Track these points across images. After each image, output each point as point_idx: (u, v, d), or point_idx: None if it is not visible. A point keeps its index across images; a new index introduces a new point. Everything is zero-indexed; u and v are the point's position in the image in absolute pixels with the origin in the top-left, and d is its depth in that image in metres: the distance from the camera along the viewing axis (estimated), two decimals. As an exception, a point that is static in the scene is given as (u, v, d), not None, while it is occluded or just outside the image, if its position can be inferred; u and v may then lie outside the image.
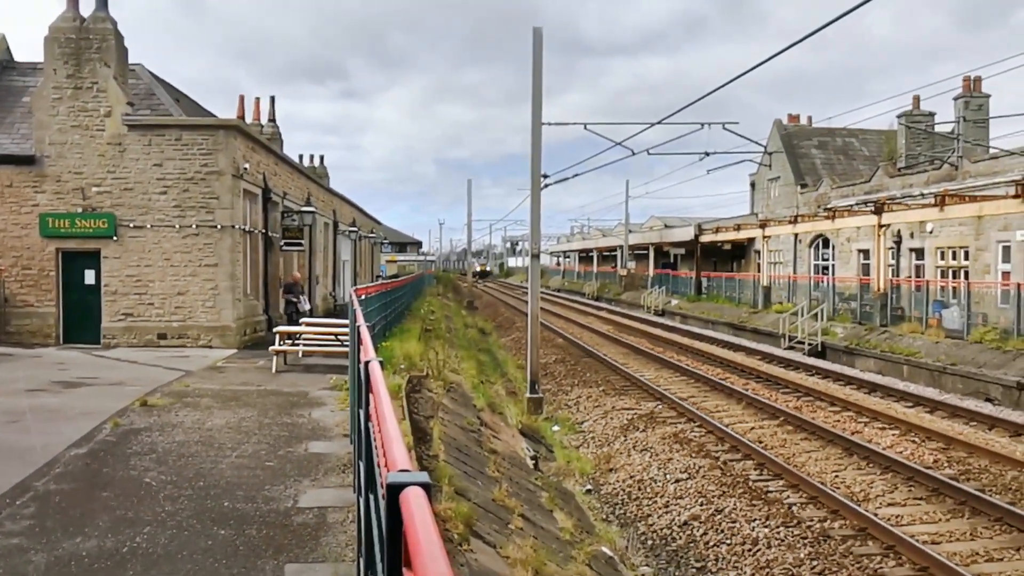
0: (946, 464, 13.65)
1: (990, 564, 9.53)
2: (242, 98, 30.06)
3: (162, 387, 14.05)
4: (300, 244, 26.96)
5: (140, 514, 7.14)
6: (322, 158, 43.29)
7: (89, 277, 20.86)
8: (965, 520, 10.94)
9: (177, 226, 20.61)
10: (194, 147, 20.57)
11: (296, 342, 18.01)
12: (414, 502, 1.83)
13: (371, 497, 3.28)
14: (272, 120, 34.12)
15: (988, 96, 34.56)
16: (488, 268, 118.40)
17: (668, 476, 13.39)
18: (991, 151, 29.78)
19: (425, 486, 1.93)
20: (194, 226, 20.60)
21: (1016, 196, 22.67)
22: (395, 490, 1.95)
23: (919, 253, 32.24)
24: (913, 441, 15.29)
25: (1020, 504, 11.42)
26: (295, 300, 21.75)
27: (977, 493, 11.61)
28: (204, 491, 7.87)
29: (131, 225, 20.58)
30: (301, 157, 40.78)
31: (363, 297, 16.05)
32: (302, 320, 19.63)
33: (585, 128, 23.32)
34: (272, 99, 34.91)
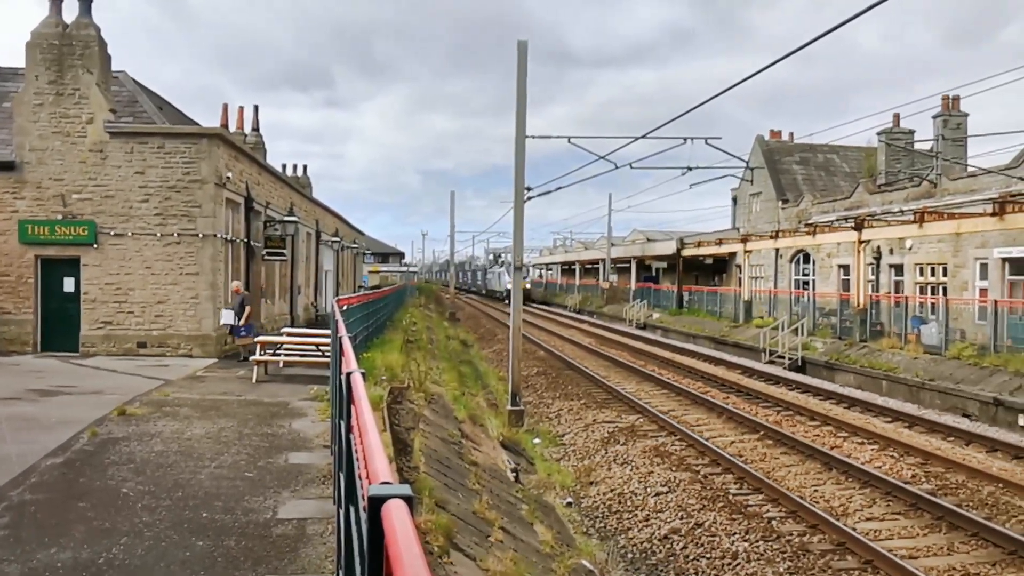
0: (924, 479, 13.74)
1: (967, 579, 9.59)
2: (225, 106, 29.95)
3: (141, 396, 13.93)
4: (282, 254, 26.86)
5: (117, 525, 7.07)
6: (305, 168, 43.19)
7: (68, 285, 20.69)
8: (942, 535, 11.01)
9: (158, 234, 20.49)
10: (177, 155, 20.48)
11: (277, 352, 17.94)
12: (396, 515, 1.83)
13: (352, 509, 3.27)
14: (256, 129, 34.03)
15: (966, 115, 34.98)
16: (527, 283, 74.27)
17: (648, 489, 13.40)
18: (969, 169, 30.13)
19: (407, 499, 1.93)
20: (175, 234, 20.48)
21: (993, 214, 22.93)
22: (377, 503, 1.95)
23: (898, 269, 32.53)
24: (892, 456, 15.38)
25: (996, 519, 11.52)
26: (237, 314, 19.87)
27: (954, 508, 11.69)
28: (182, 502, 7.81)
29: (112, 233, 20.44)
30: (284, 166, 40.67)
31: (345, 308, 16.01)
32: (284, 330, 19.54)
33: (569, 142, 23.42)
34: (256, 108, 34.85)
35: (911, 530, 11.25)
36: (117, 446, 10.09)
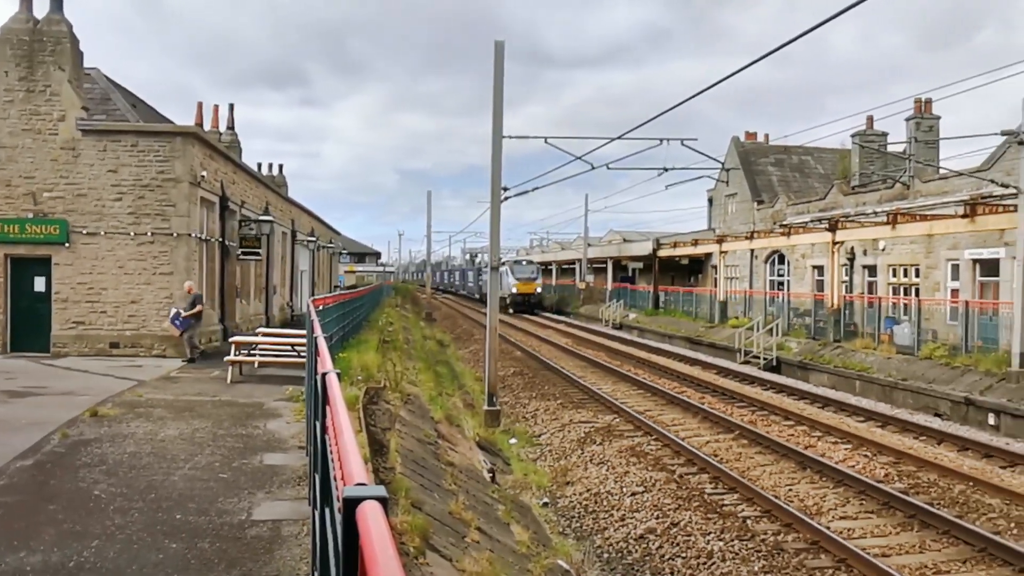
0: (896, 478, 13.88)
1: (938, 577, 9.70)
2: (200, 105, 29.73)
3: (113, 397, 13.78)
4: (258, 253, 26.69)
5: (88, 527, 6.98)
6: (281, 167, 42.97)
7: (39, 284, 20.42)
8: (914, 533, 11.13)
9: (132, 233, 20.28)
10: (150, 153, 20.28)
11: (252, 352, 17.81)
12: (371, 516, 1.81)
13: (327, 510, 3.25)
14: (231, 127, 33.80)
15: (938, 118, 35.40)
16: (538, 287, 63.53)
17: (625, 489, 13.44)
18: (941, 171, 30.48)
19: (382, 500, 1.91)
20: (149, 233, 20.29)
21: (965, 216, 23.22)
22: (351, 504, 1.93)
23: (872, 270, 32.84)
24: (865, 455, 15.53)
25: (967, 517, 11.66)
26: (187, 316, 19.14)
27: (926, 507, 11.82)
28: (155, 503, 7.73)
29: (84, 232, 20.20)
30: (260, 165, 40.41)
31: (321, 308, 15.93)
32: (259, 330, 19.39)
33: (546, 142, 23.43)
34: (231, 106, 34.62)
35: (884, 528, 11.36)
36: (89, 448, 9.97)
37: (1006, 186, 21.73)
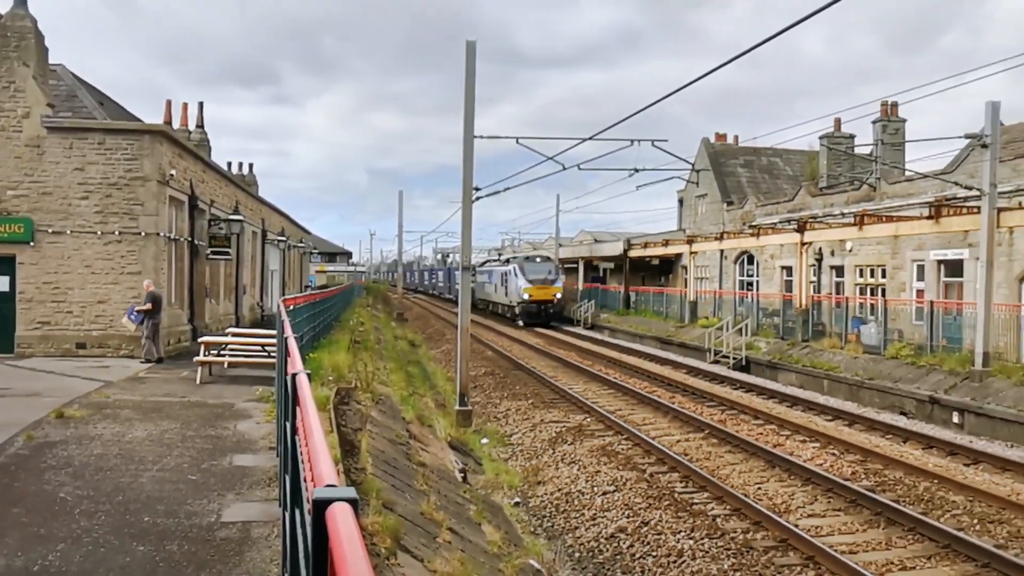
0: (864, 476, 14.06)
1: (904, 573, 9.84)
2: (169, 103, 29.42)
3: (80, 398, 13.60)
4: (227, 253, 26.47)
5: (53, 531, 6.89)
6: (251, 166, 42.66)
7: (3, 284, 20.09)
8: (881, 530, 11.28)
9: (99, 232, 20.02)
10: (118, 152, 20.04)
11: (221, 353, 17.67)
12: (340, 518, 1.81)
13: (297, 512, 3.24)
14: (200, 125, 33.45)
15: (904, 120, 35.89)
16: (558, 292, 48.57)
17: (596, 489, 13.50)
18: (907, 173, 30.91)
19: (352, 502, 1.92)
20: (117, 233, 20.04)
21: (929, 217, 23.56)
22: (321, 506, 1.94)
23: (839, 270, 33.22)
24: (833, 454, 15.71)
25: (932, 514, 11.84)
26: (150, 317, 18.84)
27: (892, 504, 11.99)
28: (123, 506, 7.64)
29: (50, 230, 19.91)
30: (230, 164, 40.07)
31: (291, 307, 15.85)
32: (228, 330, 19.23)
33: (517, 142, 23.46)
34: (200, 104, 34.24)
35: (851, 526, 11.51)
36: (54, 450, 9.84)
37: (970, 188, 22.09)
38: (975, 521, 11.61)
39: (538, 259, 50.48)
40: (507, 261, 53.49)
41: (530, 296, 47.04)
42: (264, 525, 7.20)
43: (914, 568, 9.98)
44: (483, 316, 53.36)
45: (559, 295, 48.04)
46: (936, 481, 13.60)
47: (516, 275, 48.00)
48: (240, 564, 6.27)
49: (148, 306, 18.67)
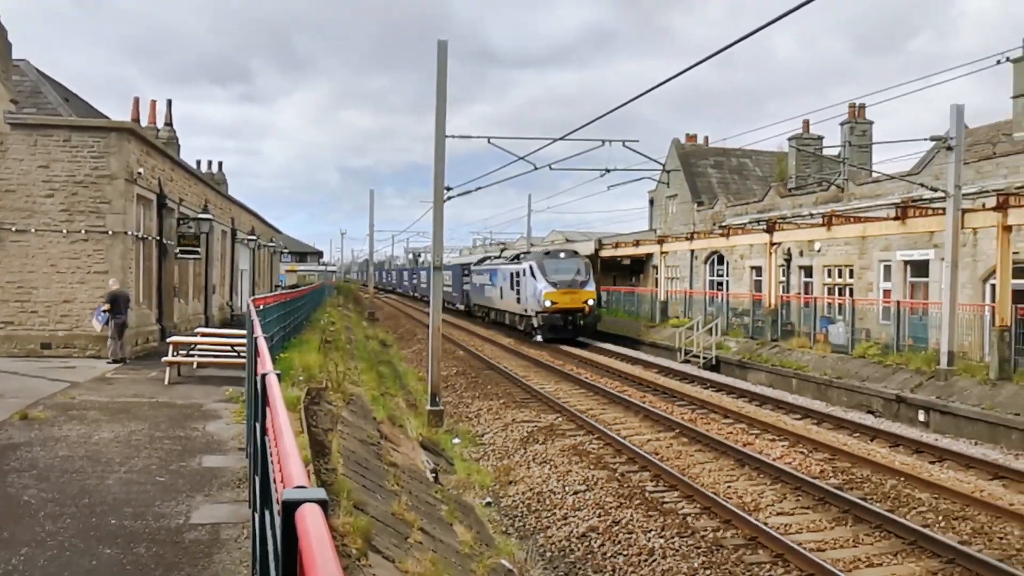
0: (832, 474, 14.21)
1: (871, 569, 9.96)
2: (137, 100, 28.99)
3: (45, 399, 13.40)
4: (196, 252, 26.21)
5: (17, 535, 6.78)
6: (220, 164, 42.28)
7: (-34, 283, 19.75)
8: (849, 528, 11.41)
9: (65, 231, 19.74)
10: (84, 149, 19.76)
11: (190, 353, 17.49)
12: (310, 519, 1.80)
13: (267, 513, 3.21)
14: (168, 123, 33.08)
15: (871, 122, 36.41)
16: (591, 298, 37.24)
17: (567, 488, 13.53)
18: (874, 174, 31.30)
19: (322, 503, 1.91)
20: (83, 231, 19.77)
21: (896, 218, 23.87)
22: (291, 507, 1.92)
23: (808, 271, 33.56)
24: (801, 452, 15.86)
25: (898, 511, 11.99)
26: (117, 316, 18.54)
27: (860, 502, 12.13)
28: (89, 508, 7.54)
29: (13, 229, 19.59)
30: (199, 162, 39.69)
31: (261, 307, 15.72)
32: (197, 330, 19.04)
33: (489, 142, 23.43)
34: (169, 102, 33.87)
35: (819, 523, 11.63)
36: (18, 452, 9.69)
37: (935, 190, 22.41)
38: (940, 518, 11.78)
39: (562, 255, 38.71)
40: (517, 258, 42.40)
41: (554, 304, 35.68)
42: (234, 526, 7.14)
43: (881, 565, 10.10)
44: (481, 326, 45.52)
45: (592, 301, 36.51)
46: (902, 479, 13.78)
47: (533, 276, 36.89)
48: (209, 566, 6.21)
49: (108, 306, 18.42)
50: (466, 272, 55.08)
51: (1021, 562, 10.05)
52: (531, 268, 37.39)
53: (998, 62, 18.15)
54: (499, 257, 48.41)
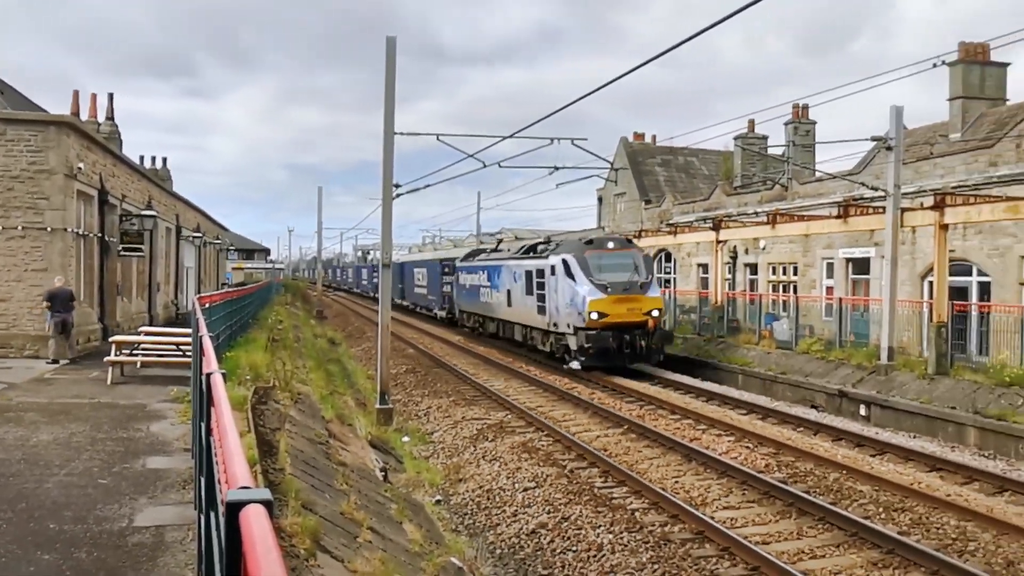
0: (777, 468, 14.46)
1: (814, 561, 10.17)
2: (76, 93, 28.35)
3: (-20, 401, 13.03)
4: (140, 250, 25.69)
5: (-48, 539, 6.59)
6: (165, 160, 41.49)
7: None
8: (793, 520, 11.63)
9: (0, 227, 19.21)
10: (20, 143, 19.24)
11: (134, 352, 17.16)
12: (254, 520, 1.79)
13: (212, 514, 3.18)
14: (110, 118, 32.35)
15: (814, 123, 37.15)
16: (658, 307, 25.81)
17: (517, 485, 13.56)
18: (817, 174, 31.91)
19: (266, 503, 1.89)
20: (20, 228, 19.25)
21: (839, 216, 24.37)
22: (235, 508, 1.91)
23: (753, 268, 34.10)
24: (747, 447, 16.11)
25: (840, 504, 12.26)
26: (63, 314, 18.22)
27: (803, 495, 12.37)
28: (27, 513, 7.35)
29: (-53, 226, 19.02)
30: (143, 158, 38.89)
31: (207, 306, 15.49)
32: (141, 329, 18.69)
33: (438, 139, 23.34)
34: (110, 96, 33.11)
35: (764, 517, 11.83)
36: (-47, 455, 9.41)
37: (875, 189, 22.92)
38: (880, 509, 12.07)
39: (611, 244, 27.49)
40: (533, 249, 30.93)
41: (602, 316, 25.18)
42: (179, 529, 7.02)
43: (824, 556, 10.32)
44: (476, 342, 36.10)
45: (658, 312, 26.08)
46: (845, 472, 14.08)
47: (569, 275, 25.96)
48: (153, 570, 6.11)
49: (46, 304, 18.00)
50: (447, 269, 43.52)
51: (957, 551, 10.35)
52: (565, 265, 26.16)
53: (934, 65, 18.62)
54: (496, 250, 38.53)
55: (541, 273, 28.17)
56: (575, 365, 25.66)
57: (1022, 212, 18.50)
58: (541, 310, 28.25)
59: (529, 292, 29.35)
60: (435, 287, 45.68)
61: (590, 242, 27.69)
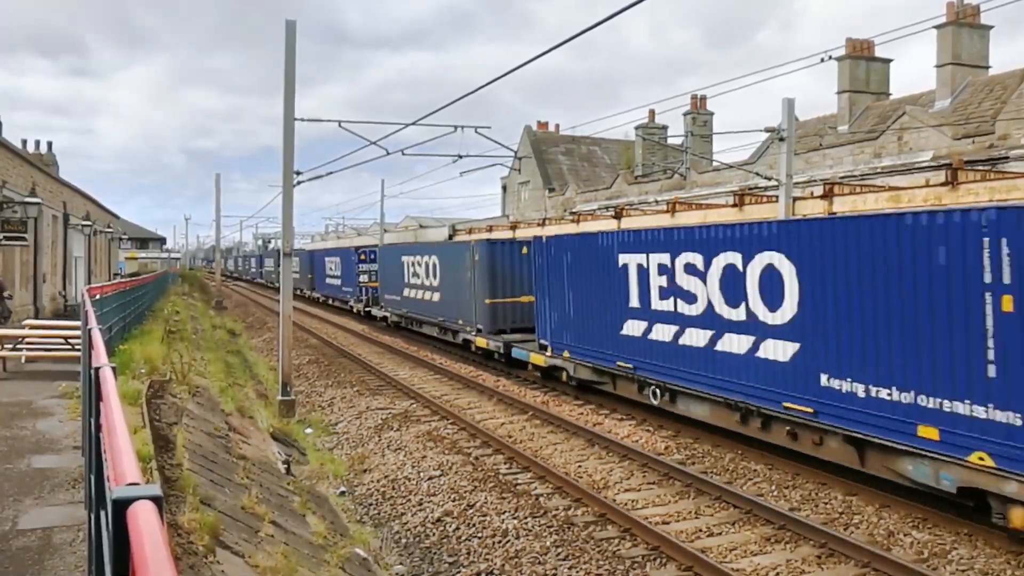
0: (675, 450, 14.86)
1: (711, 539, 10.51)
2: (-48, 74, 26.83)
3: None
4: (23, 239, 24.50)
5: None
6: (50, 144, 39.65)
7: None
8: (691, 501, 11.98)
9: None
10: None
11: (18, 347, 16.41)
12: (142, 517, 1.75)
13: (102, 513, 3.08)
14: (-11, 100, 30.77)
15: (712, 113, 38.15)
16: None
17: (422, 474, 13.56)
18: (714, 163, 32.79)
19: (156, 499, 1.85)
20: None
21: (735, 205, 25.11)
22: (122, 505, 1.86)
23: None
24: (647, 430, 16.48)
25: (735, 483, 12.68)
26: None
27: (701, 476, 12.75)
28: (-99, 517, 6.97)
29: None
30: (25, 142, 37.05)
31: (98, 297, 14.94)
32: (26, 322, 17.87)
33: (340, 126, 22.98)
34: (-11, 77, 31.49)
35: (664, 498, 12.15)
36: None
37: (769, 179, 23.70)
38: (773, 487, 12.54)
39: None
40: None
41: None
42: (68, 530, 6.77)
43: (720, 534, 10.67)
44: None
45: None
46: (740, 452, 14.57)
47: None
48: (40, 573, 5.88)
49: None
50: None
51: (842, 524, 10.84)
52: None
53: (822, 60, 19.34)
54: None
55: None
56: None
57: (903, 202, 19.44)
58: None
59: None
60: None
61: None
